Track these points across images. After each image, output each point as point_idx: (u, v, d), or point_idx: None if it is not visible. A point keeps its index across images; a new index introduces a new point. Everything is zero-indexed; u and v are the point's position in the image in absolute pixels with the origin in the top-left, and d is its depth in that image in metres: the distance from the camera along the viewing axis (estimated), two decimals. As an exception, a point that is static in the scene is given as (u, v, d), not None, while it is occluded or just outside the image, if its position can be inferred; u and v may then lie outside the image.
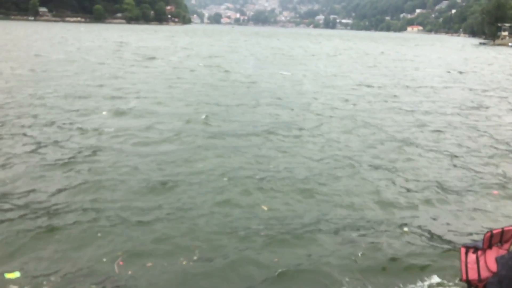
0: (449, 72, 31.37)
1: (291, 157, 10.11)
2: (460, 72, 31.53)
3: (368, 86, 21.63)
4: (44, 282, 5.34)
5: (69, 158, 9.35)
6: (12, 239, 6.25)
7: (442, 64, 38.13)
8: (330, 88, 20.34)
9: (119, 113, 13.34)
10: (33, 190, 7.79)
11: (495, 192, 8.68)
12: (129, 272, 5.59)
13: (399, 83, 23.33)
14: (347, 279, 5.60)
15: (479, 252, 3.81)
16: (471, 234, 7.09)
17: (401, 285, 5.54)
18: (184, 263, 5.87)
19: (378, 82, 22.98)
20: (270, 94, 17.78)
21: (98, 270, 5.68)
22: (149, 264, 5.77)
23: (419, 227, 7.19)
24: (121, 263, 5.72)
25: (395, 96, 18.82)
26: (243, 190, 8.28)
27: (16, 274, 5.45)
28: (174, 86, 18.70)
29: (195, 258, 5.98)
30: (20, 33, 60.56)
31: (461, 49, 76.62)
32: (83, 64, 25.58)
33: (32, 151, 9.71)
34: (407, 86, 22.24)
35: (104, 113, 13.35)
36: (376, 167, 9.54)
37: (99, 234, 6.46)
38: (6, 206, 7.19)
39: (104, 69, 23.18)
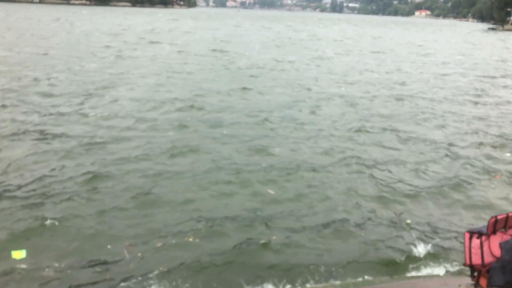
0: (456, 58, 30.99)
1: (294, 144, 10.13)
2: (468, 58, 31.14)
3: (373, 72, 21.45)
4: (49, 263, 5.44)
5: (73, 147, 9.42)
6: (19, 223, 6.34)
7: (450, 50, 37.64)
8: (335, 75, 20.17)
9: (120, 99, 13.37)
10: (39, 176, 7.87)
11: (497, 176, 8.70)
12: (139, 254, 5.69)
13: (406, 69, 23.11)
14: (348, 269, 5.64)
15: (483, 238, 3.83)
16: (474, 219, 7.12)
17: (405, 271, 5.59)
18: (190, 239, 5.98)
19: (384, 69, 22.77)
20: (275, 80, 17.68)
21: (106, 253, 5.77)
22: (159, 244, 5.88)
23: (422, 214, 7.20)
24: (130, 247, 5.81)
25: (402, 83, 18.66)
26: (248, 176, 8.34)
27: (22, 254, 5.55)
28: (177, 71, 18.62)
29: (202, 236, 6.08)
30: (21, 16, 60.18)
31: (469, 34, 75.44)
32: (85, 47, 25.48)
33: (36, 140, 9.79)
34: (414, 73, 22.04)
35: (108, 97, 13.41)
36: (378, 157, 9.50)
37: (106, 219, 6.54)
38: (15, 191, 7.29)
39: (107, 53, 23.10)
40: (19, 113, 11.19)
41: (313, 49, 31.83)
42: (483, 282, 3.96)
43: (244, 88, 15.48)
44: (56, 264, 5.42)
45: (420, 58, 28.83)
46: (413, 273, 5.48)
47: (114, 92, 13.88)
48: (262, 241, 6.09)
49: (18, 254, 5.54)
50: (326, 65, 22.84)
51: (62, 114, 11.35)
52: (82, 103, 12.44)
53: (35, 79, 15.17)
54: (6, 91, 13.32)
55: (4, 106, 11.75)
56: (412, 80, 19.53)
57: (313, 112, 12.74)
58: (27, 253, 5.59)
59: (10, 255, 5.52)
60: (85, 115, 11.28)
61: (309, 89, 15.97)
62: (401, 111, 13.47)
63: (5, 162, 8.25)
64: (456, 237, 6.48)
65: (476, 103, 15.48)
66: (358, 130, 11.19)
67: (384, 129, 11.41)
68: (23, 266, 5.33)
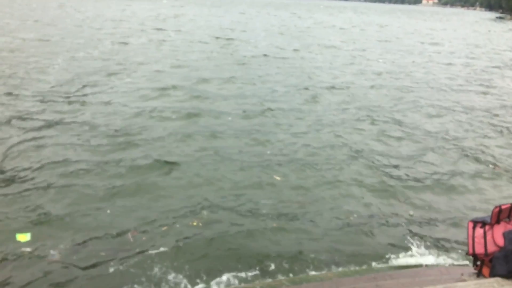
0: (463, 47, 30.64)
1: (297, 132, 10.11)
2: (475, 48, 30.78)
3: (379, 61, 21.26)
4: (54, 247, 5.50)
5: (76, 133, 9.46)
6: (23, 208, 6.40)
7: (457, 40, 37.21)
8: (340, 63, 20.02)
9: (123, 87, 13.36)
10: (42, 163, 7.91)
11: (497, 168, 8.69)
12: (143, 238, 5.74)
13: (412, 59, 22.90)
14: (349, 257, 5.66)
15: (487, 227, 3.83)
16: (476, 210, 7.12)
17: (406, 260, 5.61)
18: (194, 224, 6.04)
19: (390, 58, 22.57)
20: (279, 68, 17.58)
21: (111, 237, 5.83)
22: (164, 228, 5.94)
23: (426, 204, 7.20)
24: (134, 232, 5.87)
25: (408, 73, 18.50)
26: (252, 163, 8.35)
27: (27, 237, 5.61)
28: (181, 59, 18.54)
29: (206, 221, 6.14)
30: (24, 1, 59.86)
31: (477, 23, 74.45)
32: (89, 34, 25.37)
33: (38, 126, 9.82)
34: (420, 63, 21.83)
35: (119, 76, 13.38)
36: (380, 147, 9.48)
37: (110, 204, 6.59)
38: (19, 177, 7.33)
39: (112, 40, 23.00)
40: (20, 100, 11.21)
41: (318, 37, 31.55)
42: (485, 271, 3.97)
43: (248, 76, 15.42)
44: (61, 248, 5.48)
45: (427, 47, 28.53)
46: (415, 262, 5.50)
47: (116, 79, 13.86)
48: (265, 228, 6.13)
49: (23, 237, 5.60)
50: (331, 54, 22.65)
51: (64, 100, 11.37)
52: (85, 90, 12.44)
53: (37, 66, 15.14)
54: (8, 77, 13.33)
55: (7, 93, 11.79)
56: (418, 69, 19.37)
57: (316, 101, 12.69)
58: (32, 237, 5.66)
59: (14, 238, 5.59)
60: (87, 102, 11.29)
61: (312, 78, 15.89)
62: (405, 101, 13.40)
63: (7, 147, 8.31)
64: (458, 227, 6.48)
65: (481, 93, 15.36)
66: (361, 120, 11.16)
67: (387, 119, 11.37)
68: (28, 249, 5.39)
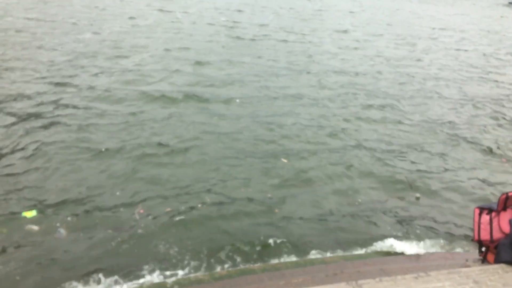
0: (475, 33, 30.06)
1: (301, 119, 10.07)
2: (487, 34, 30.19)
3: (388, 47, 20.96)
4: (60, 222, 5.59)
5: (81, 115, 9.48)
6: (30, 181, 6.49)
7: (469, 25, 36.47)
8: (347, 48, 19.75)
9: (128, 69, 13.31)
10: (51, 142, 7.98)
11: (504, 160, 8.62)
12: (149, 217, 5.82)
13: (422, 44, 22.54)
14: (356, 241, 5.70)
15: (493, 214, 3.83)
16: (481, 199, 7.11)
17: (412, 246, 5.64)
18: (199, 206, 6.10)
19: (400, 43, 22.23)
20: (289, 53, 17.40)
21: (118, 215, 5.91)
22: (168, 209, 6.00)
23: (431, 190, 7.20)
24: (141, 211, 5.94)
25: (418, 59, 18.24)
26: (260, 144, 8.36)
27: (33, 213, 5.71)
28: (188, 40, 18.39)
29: (209, 202, 6.20)
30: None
31: (489, 8, 72.78)
32: (96, 15, 25.19)
33: (44, 110, 9.84)
34: (431, 49, 21.50)
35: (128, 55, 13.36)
36: (388, 134, 9.43)
37: (118, 184, 6.66)
38: (27, 152, 7.40)
39: (118, 21, 22.82)
40: (26, 81, 11.25)
41: (327, 21, 31.07)
42: (490, 257, 3.98)
43: (254, 60, 15.30)
44: (68, 225, 5.57)
45: (438, 33, 28.00)
46: (420, 247, 5.52)
47: (122, 61, 13.81)
48: (269, 211, 6.17)
49: (29, 214, 5.70)
50: (340, 38, 22.34)
51: (67, 82, 11.41)
52: (90, 71, 12.44)
53: (42, 47, 15.12)
54: (17, 59, 13.34)
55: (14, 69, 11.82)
56: (428, 56, 19.08)
57: (323, 86, 12.58)
58: (39, 215, 5.75)
59: (21, 216, 5.68)
60: (91, 85, 11.31)
61: (319, 63, 15.75)
62: (412, 89, 13.26)
63: (12, 127, 8.37)
64: (463, 213, 6.48)
65: (492, 82, 15.11)
66: (367, 106, 11.08)
67: (395, 107, 11.28)
68: (35, 227, 5.48)
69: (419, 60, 17.89)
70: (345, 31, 24.62)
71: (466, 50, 21.36)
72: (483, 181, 7.79)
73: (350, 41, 21.24)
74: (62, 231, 5.56)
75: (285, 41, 19.92)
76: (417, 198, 6.82)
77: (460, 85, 14.16)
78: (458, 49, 21.43)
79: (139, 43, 16.64)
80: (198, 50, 16.32)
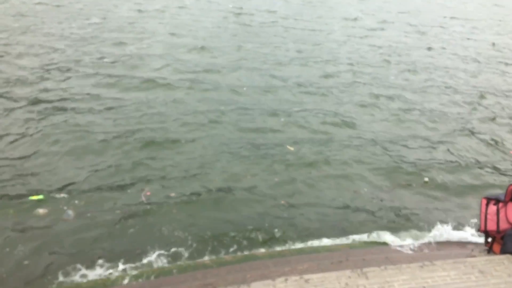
0: (486, 22, 29.54)
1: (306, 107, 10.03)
2: (498, 23, 29.67)
3: (399, 35, 20.71)
4: (67, 205, 5.66)
5: (86, 102, 9.49)
6: (38, 165, 6.55)
7: (480, 13, 35.81)
8: (355, 36, 19.52)
9: (134, 56, 13.28)
10: (58, 126, 8.03)
11: (511, 152, 8.56)
12: (155, 200, 5.87)
13: (432, 33, 22.23)
14: (365, 228, 5.72)
15: (500, 204, 3.81)
16: (486, 189, 7.08)
17: (418, 235, 5.64)
18: (204, 192, 6.14)
19: (410, 30, 21.95)
20: (301, 40, 17.27)
21: (125, 196, 5.97)
22: (172, 194, 6.05)
23: (440, 180, 7.17)
24: (148, 193, 6.00)
25: (428, 48, 18.00)
26: (266, 131, 8.35)
27: (40, 197, 5.78)
28: (196, 29, 18.29)
29: (214, 189, 6.23)
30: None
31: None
32: (104, 0, 25.05)
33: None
34: (440, 38, 21.20)
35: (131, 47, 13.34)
36: (395, 126, 9.38)
37: (125, 167, 6.70)
38: (35, 136, 7.45)
39: (125, 7, 22.69)
40: (32, 68, 11.26)
41: (337, 8, 30.66)
42: (496, 248, 3.98)
43: (262, 47, 15.21)
44: (75, 207, 5.63)
45: (450, 22, 27.56)
46: (425, 237, 5.52)
47: (128, 47, 13.78)
48: (275, 199, 6.19)
49: (37, 198, 5.77)
50: (348, 25, 22.07)
51: (73, 69, 11.40)
52: (96, 57, 12.44)
53: (49, 32, 15.11)
54: (29, 46, 13.35)
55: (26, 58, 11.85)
56: (438, 45, 18.80)
57: (329, 76, 12.44)
58: (47, 198, 5.81)
59: (29, 200, 5.75)
60: (96, 72, 11.31)
61: (330, 52, 15.58)
62: (420, 80, 13.09)
63: (19, 113, 8.42)
64: (470, 203, 6.46)
65: (500, 73, 14.86)
66: (374, 97, 10.96)
67: (403, 98, 11.13)
68: (42, 210, 5.55)
69: (429, 48, 17.65)
70: (355, 19, 24.30)
71: (476, 40, 21.03)
72: (491, 172, 7.74)
73: (359, 29, 20.99)
74: (70, 212, 5.63)
75: (293, 28, 19.74)
76: (425, 183, 6.80)
77: (469, 76, 13.97)
78: (468, 39, 21.10)
79: (146, 28, 16.57)
80: (205, 36, 16.23)
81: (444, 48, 18.13)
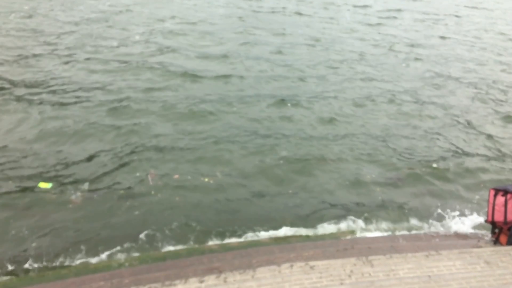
0: (501, 13, 28.94)
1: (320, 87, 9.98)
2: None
3: (417, 27, 20.40)
4: (74, 190, 5.73)
5: (92, 92, 9.50)
6: (45, 153, 6.61)
7: (500, 3, 35.09)
8: (366, 25, 19.26)
9: (149, 42, 13.25)
10: (62, 108, 8.08)
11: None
12: (159, 183, 5.93)
13: (449, 23, 21.87)
14: (368, 218, 5.72)
15: (508, 196, 3.79)
16: (492, 182, 7.03)
17: (424, 225, 5.64)
18: (206, 180, 6.18)
19: (421, 18, 21.61)
20: (305, 28, 17.10)
21: (131, 178, 6.03)
22: (176, 176, 6.11)
23: (448, 167, 7.14)
24: (153, 175, 6.06)
25: (441, 37, 17.73)
26: (270, 127, 8.34)
27: (48, 185, 5.86)
28: (207, 14, 18.17)
29: (218, 180, 6.26)
30: None
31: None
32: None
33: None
34: (454, 31, 20.85)
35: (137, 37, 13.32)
36: (402, 118, 9.28)
37: (131, 151, 6.75)
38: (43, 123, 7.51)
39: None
40: (43, 56, 11.28)
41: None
42: (503, 239, 3.97)
43: (271, 37, 15.11)
44: (83, 191, 5.70)
45: (463, 10, 26.99)
46: (432, 226, 5.53)
47: (136, 36, 13.75)
48: (280, 186, 6.21)
49: (45, 185, 5.85)
50: (359, 12, 21.75)
51: (79, 58, 11.40)
52: (102, 44, 12.44)
53: (57, 18, 15.11)
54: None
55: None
56: (450, 35, 18.46)
57: (334, 68, 12.28)
58: (54, 183, 5.89)
59: (37, 186, 5.82)
60: (106, 60, 11.31)
61: (341, 43, 15.39)
62: (430, 70, 12.89)
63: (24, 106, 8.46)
64: (477, 195, 6.44)
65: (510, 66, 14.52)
66: (382, 91, 10.77)
67: (410, 93, 10.95)
68: (51, 195, 5.62)
69: (442, 37, 17.34)
70: (365, 6, 23.92)
71: (487, 30, 20.62)
72: (499, 163, 7.68)
73: (369, 17, 20.70)
74: (79, 194, 5.70)
75: (304, 15, 19.52)
76: (434, 168, 6.78)
77: (480, 68, 13.70)
78: (483, 29, 20.70)
79: (155, 14, 16.49)
80: (214, 22, 16.13)
81: (456, 38, 17.80)
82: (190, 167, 6.54)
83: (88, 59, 10.78)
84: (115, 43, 12.23)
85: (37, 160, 6.43)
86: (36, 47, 11.32)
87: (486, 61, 14.42)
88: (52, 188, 5.82)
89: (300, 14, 19.60)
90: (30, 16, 14.26)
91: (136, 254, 4.88)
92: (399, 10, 23.67)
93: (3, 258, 4.73)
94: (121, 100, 8.57)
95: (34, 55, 10.70)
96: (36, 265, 4.67)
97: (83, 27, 13.59)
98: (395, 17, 21.20)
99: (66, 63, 10.37)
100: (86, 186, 5.85)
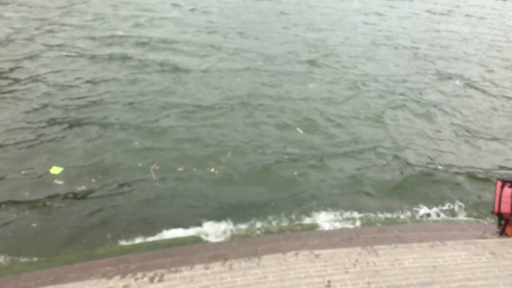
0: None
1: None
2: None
3: (435, 27, 20.11)
4: (84, 177, 5.78)
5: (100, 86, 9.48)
6: (56, 140, 6.65)
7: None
8: (374, 23, 19.02)
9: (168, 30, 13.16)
10: (73, 100, 8.10)
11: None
12: (164, 176, 5.95)
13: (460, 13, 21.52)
14: (374, 207, 5.72)
15: (516, 187, 3.76)
16: (504, 171, 7.00)
17: (431, 215, 5.64)
18: (211, 170, 6.19)
19: (435, 8, 21.32)
20: (314, 21, 16.94)
21: (135, 171, 6.06)
22: (180, 169, 6.13)
23: (452, 161, 7.11)
24: (156, 168, 6.07)
25: (454, 32, 17.45)
26: (274, 117, 8.31)
27: (59, 170, 5.91)
28: (210, 3, 18.01)
29: (223, 170, 6.26)
30: None
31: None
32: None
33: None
34: (465, 31, 20.51)
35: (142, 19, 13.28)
36: (410, 111, 9.18)
37: (136, 143, 6.77)
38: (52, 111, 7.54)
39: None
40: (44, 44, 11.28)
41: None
42: (509, 230, 3.96)
43: (278, 30, 14.99)
44: (91, 180, 5.75)
45: (476, 10, 26.48)
46: (438, 217, 5.52)
47: (141, 30, 13.67)
48: (285, 174, 6.20)
49: (56, 170, 5.90)
50: (364, 5, 21.46)
51: (88, 54, 11.38)
52: (105, 35, 12.39)
53: (66, 13, 15.05)
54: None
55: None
56: (464, 28, 18.18)
57: (338, 62, 12.11)
58: (63, 171, 5.94)
59: (49, 172, 5.87)
60: (109, 54, 11.28)
61: (348, 38, 15.17)
62: (432, 73, 12.63)
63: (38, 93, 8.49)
64: (484, 185, 6.41)
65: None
66: (390, 89, 10.61)
67: (415, 92, 10.78)
68: (60, 182, 5.67)
69: (455, 32, 16.89)
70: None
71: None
72: (506, 154, 7.62)
73: (378, 6, 20.43)
74: (84, 185, 5.75)
75: (312, 6, 19.29)
76: (438, 170, 6.75)
77: (488, 73, 13.23)
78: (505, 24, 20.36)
79: (160, 7, 16.38)
80: (222, 11, 16.01)
81: (473, 32, 17.46)
82: (194, 158, 6.54)
83: (90, 54, 10.74)
84: (115, 36, 12.18)
85: (50, 150, 6.44)
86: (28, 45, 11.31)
87: (500, 64, 14.09)
88: (63, 172, 5.87)
89: (311, 6, 19.35)
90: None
91: (143, 241, 4.93)
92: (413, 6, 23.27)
93: (10, 243, 4.79)
94: (126, 90, 8.57)
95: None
96: (43, 251, 4.72)
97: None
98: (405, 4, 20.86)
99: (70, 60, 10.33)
100: (91, 176, 5.89)
